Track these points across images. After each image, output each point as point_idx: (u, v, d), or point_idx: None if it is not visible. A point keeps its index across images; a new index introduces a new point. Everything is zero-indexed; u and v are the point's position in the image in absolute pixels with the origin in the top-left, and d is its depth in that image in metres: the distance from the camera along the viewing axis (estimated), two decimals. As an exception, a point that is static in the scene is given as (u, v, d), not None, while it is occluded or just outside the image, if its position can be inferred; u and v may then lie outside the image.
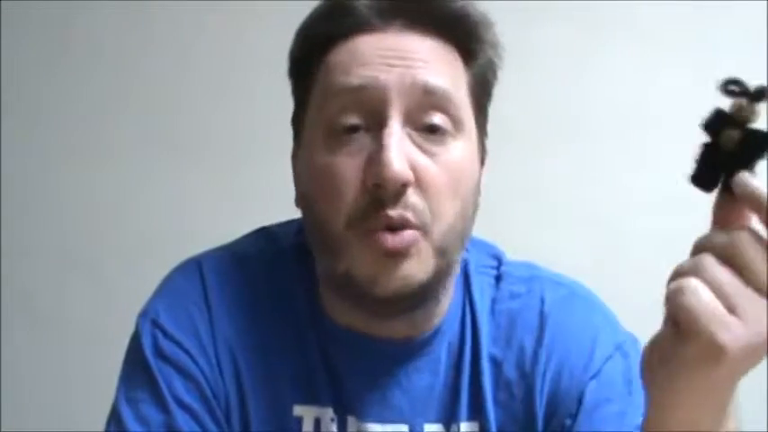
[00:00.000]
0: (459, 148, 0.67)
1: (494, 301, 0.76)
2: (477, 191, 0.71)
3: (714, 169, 0.51)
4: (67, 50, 1.57)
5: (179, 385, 0.69)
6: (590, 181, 1.48)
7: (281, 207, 0.77)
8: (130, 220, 1.54)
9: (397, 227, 0.64)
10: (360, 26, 0.67)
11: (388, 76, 0.65)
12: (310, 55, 0.69)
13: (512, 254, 0.81)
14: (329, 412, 0.72)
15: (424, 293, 0.67)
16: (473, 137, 0.70)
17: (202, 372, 0.70)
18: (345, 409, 0.72)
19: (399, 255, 0.64)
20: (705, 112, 0.52)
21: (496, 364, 0.73)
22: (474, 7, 0.70)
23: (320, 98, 0.68)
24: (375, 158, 0.63)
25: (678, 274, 0.49)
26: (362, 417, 0.72)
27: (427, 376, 0.73)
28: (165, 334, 0.71)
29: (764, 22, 1.47)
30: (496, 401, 0.73)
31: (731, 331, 0.47)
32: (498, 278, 0.77)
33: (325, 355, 0.73)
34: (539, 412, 0.72)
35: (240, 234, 0.80)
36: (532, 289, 0.76)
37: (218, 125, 1.54)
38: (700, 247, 0.50)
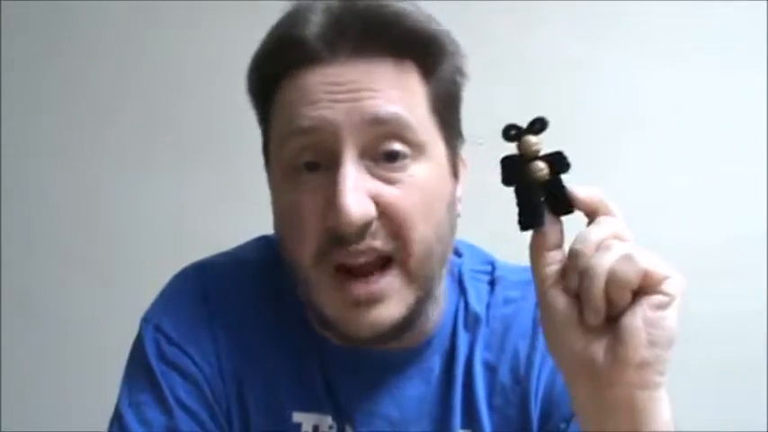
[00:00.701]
0: (422, 170, 0.65)
1: (488, 307, 0.75)
2: (451, 209, 0.69)
3: (536, 205, 0.57)
4: (67, 50, 1.57)
5: (181, 388, 0.70)
6: (588, 181, 1.48)
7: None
8: (130, 220, 1.55)
9: (366, 267, 0.63)
10: (306, 59, 0.64)
11: (335, 114, 0.62)
12: (265, 86, 0.68)
13: (508, 255, 0.81)
14: (328, 420, 0.72)
15: (404, 325, 0.66)
16: (439, 155, 0.67)
17: (205, 376, 0.70)
18: (343, 417, 0.72)
19: (370, 302, 0.63)
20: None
21: (491, 369, 0.73)
22: (428, 20, 0.66)
23: (277, 137, 0.67)
24: (332, 202, 0.61)
25: (600, 247, 0.55)
26: (357, 426, 0.72)
27: (419, 385, 0.73)
28: (169, 339, 0.71)
29: (765, 22, 1.47)
30: (492, 407, 0.72)
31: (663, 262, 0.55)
32: (492, 283, 0.76)
33: (322, 365, 0.73)
34: (534, 417, 0.72)
35: (239, 233, 0.80)
36: (527, 294, 0.74)
37: (217, 125, 1.54)
38: (596, 243, 0.56)
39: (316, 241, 0.64)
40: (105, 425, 0.71)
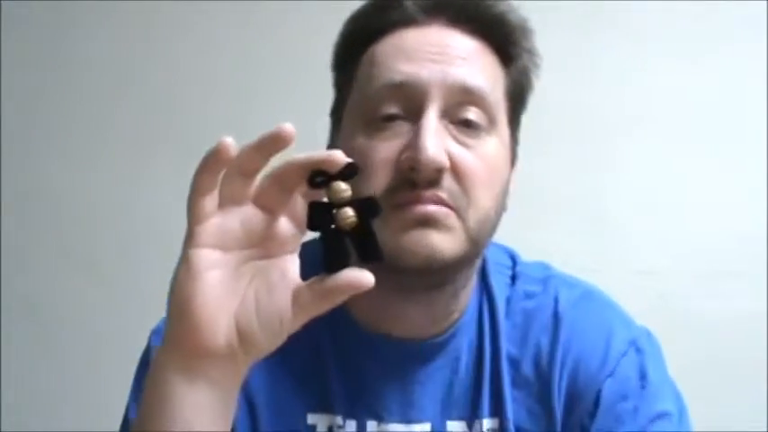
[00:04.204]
0: (493, 144, 0.69)
1: (509, 301, 0.77)
2: (506, 190, 0.73)
3: (343, 252, 0.54)
4: (67, 50, 1.57)
5: None
6: (589, 181, 1.48)
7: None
8: (130, 220, 1.54)
9: (428, 202, 0.65)
10: (405, 20, 0.70)
11: (430, 73, 0.67)
12: (356, 46, 0.72)
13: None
14: (338, 420, 0.72)
15: (448, 272, 0.68)
16: (505, 138, 0.72)
17: None
18: (365, 413, 0.72)
19: (428, 223, 0.65)
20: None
21: (514, 362, 0.74)
22: (514, 13, 0.73)
23: (363, 88, 0.70)
24: (412, 143, 0.65)
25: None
26: (385, 418, 0.72)
27: (448, 374, 0.74)
28: None
29: (765, 22, 1.47)
30: (514, 399, 0.73)
31: None
32: (514, 278, 0.78)
33: (342, 360, 0.73)
34: (557, 409, 0.73)
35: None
36: (547, 289, 0.77)
37: (217, 125, 1.54)
38: None
39: (386, 180, 0.66)
40: (105, 425, 0.71)
